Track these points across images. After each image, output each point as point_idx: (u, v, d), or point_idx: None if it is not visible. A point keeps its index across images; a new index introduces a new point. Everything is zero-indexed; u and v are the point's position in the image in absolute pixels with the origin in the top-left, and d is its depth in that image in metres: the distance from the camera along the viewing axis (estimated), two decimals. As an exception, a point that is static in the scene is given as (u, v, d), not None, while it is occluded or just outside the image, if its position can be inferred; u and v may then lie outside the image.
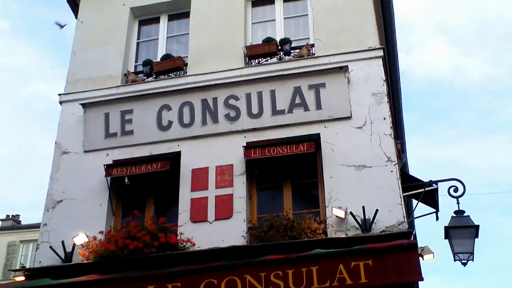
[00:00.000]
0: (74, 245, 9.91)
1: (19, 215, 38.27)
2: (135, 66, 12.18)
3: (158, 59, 11.83)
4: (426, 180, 10.30)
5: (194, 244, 9.54)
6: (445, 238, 9.68)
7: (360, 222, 9.08)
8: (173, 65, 11.60)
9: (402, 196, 9.36)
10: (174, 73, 11.62)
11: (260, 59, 11.28)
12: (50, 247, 10.05)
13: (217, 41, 11.60)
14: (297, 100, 10.40)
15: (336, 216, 9.20)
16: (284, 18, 11.89)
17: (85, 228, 10.03)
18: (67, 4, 13.35)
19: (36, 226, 15.95)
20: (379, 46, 10.84)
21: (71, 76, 12.01)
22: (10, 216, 37.52)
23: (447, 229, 9.58)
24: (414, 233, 9.41)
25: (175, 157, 10.51)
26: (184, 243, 9.58)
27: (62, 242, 9.97)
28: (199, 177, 10.23)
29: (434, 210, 10.82)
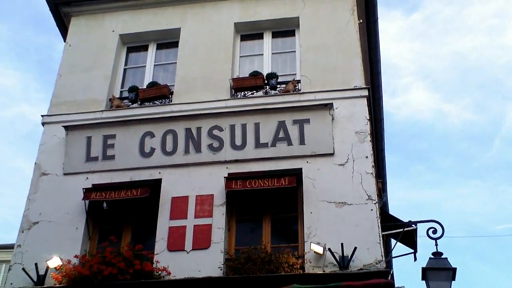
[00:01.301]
0: (47, 268, 9.71)
1: (-8, 235, 37.68)
2: (121, 92, 12.14)
3: (144, 86, 11.83)
4: (405, 220, 10.36)
5: (169, 273, 9.40)
6: (422, 279, 9.64)
7: (338, 259, 9.03)
8: (159, 92, 11.59)
9: (381, 235, 9.36)
10: (160, 101, 11.60)
11: (246, 92, 11.33)
12: (23, 269, 9.83)
13: (204, 71, 11.64)
14: (281, 134, 10.43)
15: (315, 252, 9.16)
16: (272, 53, 12.01)
17: (60, 251, 9.86)
18: (57, 27, 13.40)
19: (9, 247, 15.63)
20: (364, 86, 10.96)
21: (55, 98, 11.93)
22: (-17, 235, 36.94)
23: (424, 270, 9.55)
24: (391, 272, 9.41)
25: (155, 184, 10.42)
26: (160, 272, 9.44)
27: (36, 264, 9.77)
28: (179, 206, 10.13)
29: (412, 251, 10.84)
